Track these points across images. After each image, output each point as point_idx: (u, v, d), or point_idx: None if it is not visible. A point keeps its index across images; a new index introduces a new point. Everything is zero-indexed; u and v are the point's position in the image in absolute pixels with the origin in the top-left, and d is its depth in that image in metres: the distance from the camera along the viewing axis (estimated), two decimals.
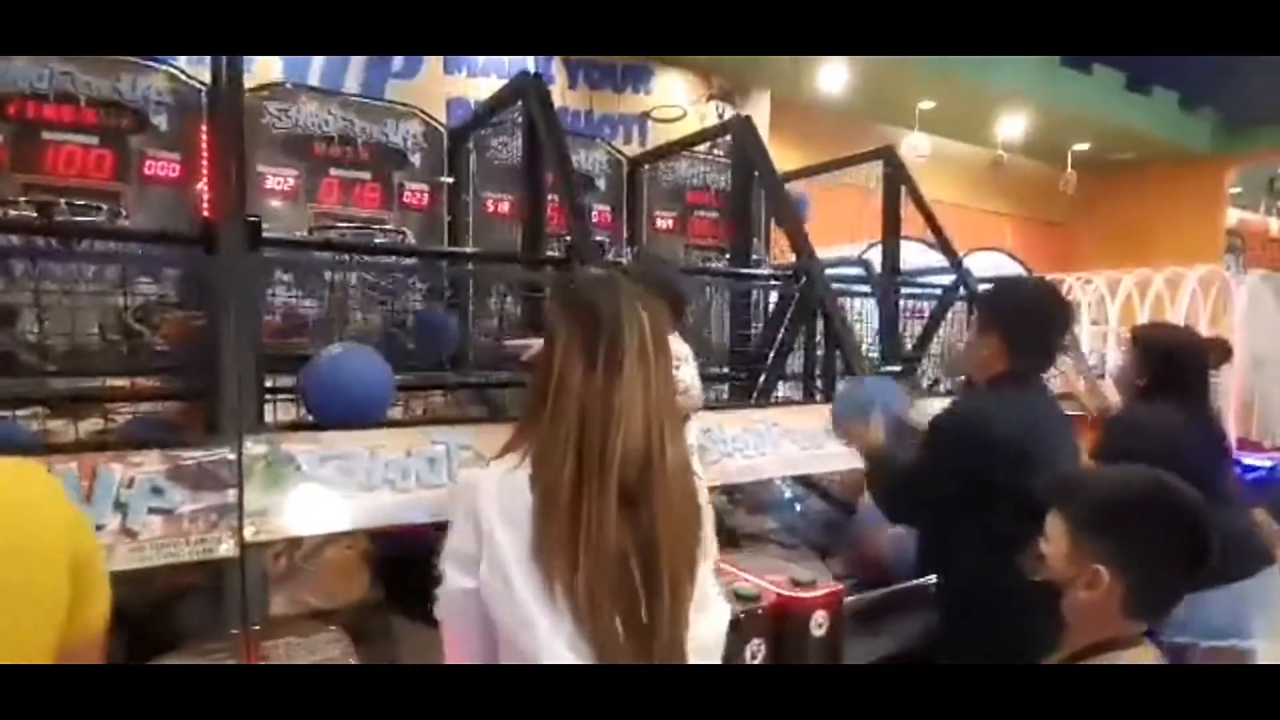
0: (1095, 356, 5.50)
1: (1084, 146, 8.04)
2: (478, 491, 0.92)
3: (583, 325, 0.95)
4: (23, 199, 2.33)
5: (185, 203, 2.62)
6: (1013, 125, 7.06)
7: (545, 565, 0.86)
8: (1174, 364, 2.00)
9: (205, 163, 2.62)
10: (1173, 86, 7.76)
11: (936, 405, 2.40)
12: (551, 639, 0.86)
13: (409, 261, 2.91)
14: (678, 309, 1.68)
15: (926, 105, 6.47)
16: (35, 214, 2.26)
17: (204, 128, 2.63)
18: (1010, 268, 6.81)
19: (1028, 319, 1.55)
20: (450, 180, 3.11)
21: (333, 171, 3.00)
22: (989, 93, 6.44)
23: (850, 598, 1.54)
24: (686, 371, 1.69)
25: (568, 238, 2.41)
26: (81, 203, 2.39)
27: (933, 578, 1.76)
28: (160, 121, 2.57)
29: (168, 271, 2.37)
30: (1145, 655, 0.98)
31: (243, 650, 1.11)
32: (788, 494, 2.79)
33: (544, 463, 0.91)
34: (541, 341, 1.06)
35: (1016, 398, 1.52)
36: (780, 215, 2.74)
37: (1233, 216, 9.26)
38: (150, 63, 2.64)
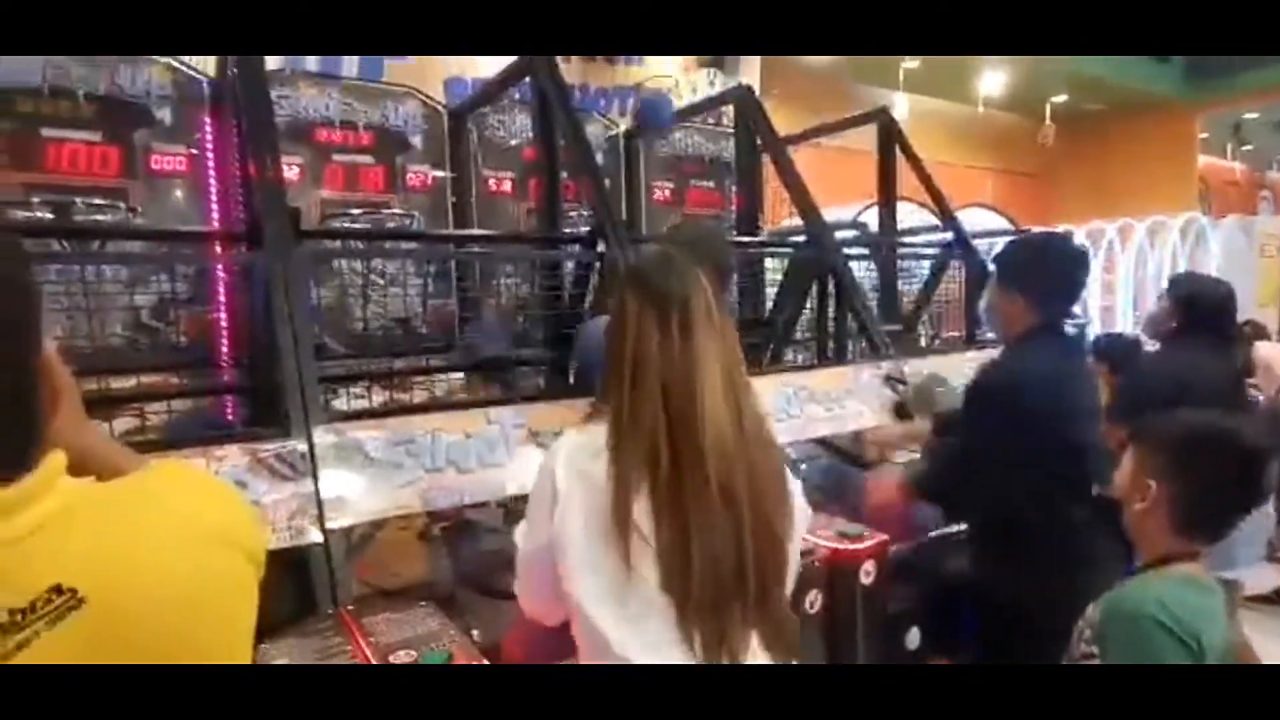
0: (1080, 306, 5.65)
1: (1061, 99, 8.13)
2: (556, 455, 0.98)
3: (653, 299, 0.99)
4: (34, 199, 2.31)
5: (195, 196, 2.60)
6: (994, 80, 7.12)
7: (623, 529, 0.90)
8: (1202, 310, 2.16)
9: (213, 156, 2.60)
10: None
11: (937, 364, 2.53)
12: (619, 606, 0.90)
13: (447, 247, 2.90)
14: (724, 278, 1.73)
15: (911, 65, 6.49)
16: (51, 215, 2.24)
17: (207, 119, 2.61)
18: (994, 222, 6.91)
19: (1049, 272, 1.63)
20: (453, 176, 3.11)
21: (336, 157, 2.98)
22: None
23: (893, 547, 1.63)
24: None
25: (584, 213, 2.44)
26: (99, 201, 2.36)
27: (963, 527, 1.87)
28: (164, 115, 2.53)
29: (180, 268, 2.36)
30: (1197, 571, 1.08)
31: (345, 627, 1.17)
32: (795, 454, 2.88)
33: (633, 433, 0.94)
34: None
35: (1051, 350, 1.61)
36: (787, 182, 2.78)
37: (1199, 162, 9.46)
38: (148, 56, 2.60)
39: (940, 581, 1.78)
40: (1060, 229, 6.41)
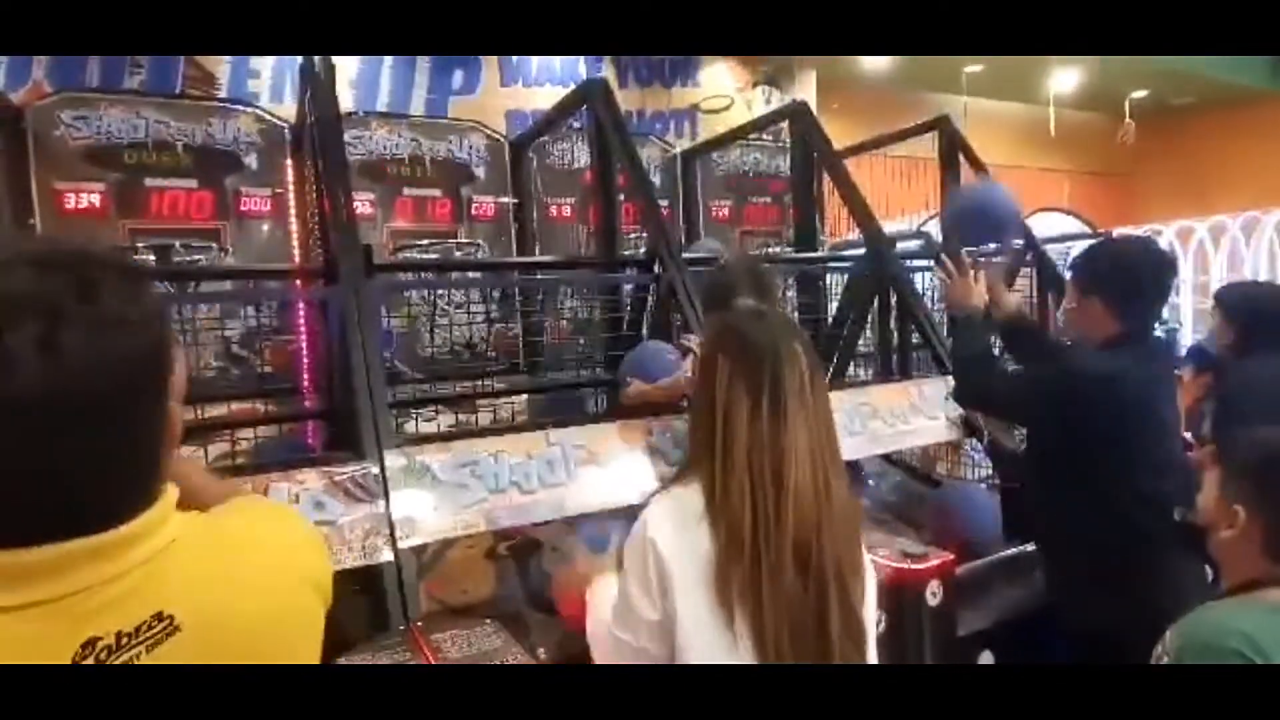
0: (1169, 310, 5.34)
1: (1142, 94, 7.74)
2: (657, 528, 0.94)
3: (745, 365, 0.94)
4: (139, 244, 2.52)
5: (276, 234, 2.79)
6: (1065, 79, 6.85)
7: (726, 606, 0.89)
8: (1260, 320, 2.03)
9: (293, 196, 2.79)
10: None
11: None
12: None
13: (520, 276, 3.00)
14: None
15: (973, 69, 6.33)
16: (153, 258, 2.44)
17: (289, 163, 2.80)
18: (1071, 226, 6.62)
19: (1130, 277, 1.56)
20: (515, 202, 3.21)
21: (405, 191, 3.14)
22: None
23: (960, 567, 1.58)
24: None
25: (643, 236, 2.48)
26: (195, 243, 2.56)
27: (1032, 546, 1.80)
28: (251, 161, 2.74)
29: (264, 302, 2.53)
30: None
31: (415, 643, 1.23)
32: (861, 469, 2.82)
33: (723, 504, 0.92)
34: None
35: (1131, 359, 1.53)
36: (845, 196, 2.75)
37: None
38: (235, 106, 2.82)
39: (1013, 603, 1.71)
40: (1145, 230, 6.10)
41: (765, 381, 0.93)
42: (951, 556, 1.56)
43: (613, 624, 0.99)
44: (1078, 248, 4.29)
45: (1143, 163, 8.74)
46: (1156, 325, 1.70)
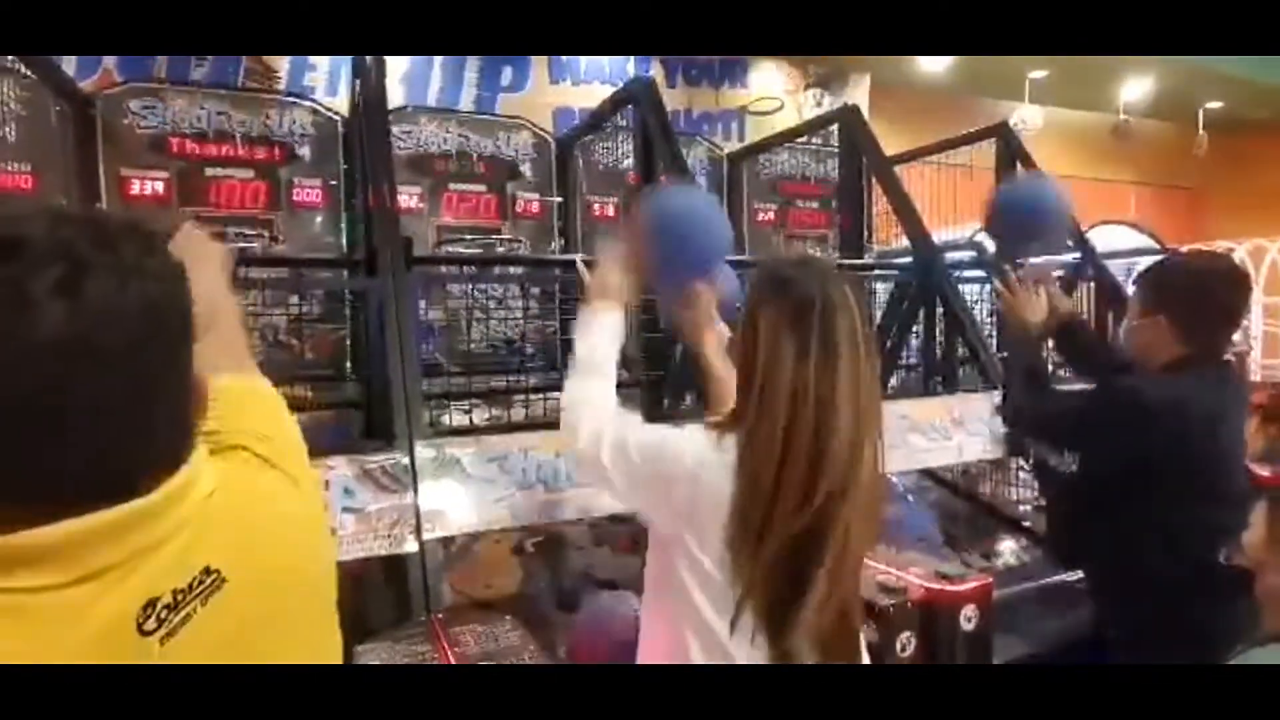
0: (1239, 332, 5.08)
1: (1216, 105, 7.38)
2: (683, 463, 0.93)
3: (792, 308, 0.89)
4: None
5: (326, 224, 2.86)
6: (1136, 88, 6.57)
7: (735, 553, 0.89)
8: None
9: (343, 188, 2.84)
10: None
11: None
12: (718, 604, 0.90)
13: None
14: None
15: (1037, 75, 6.12)
16: None
17: (340, 156, 2.86)
18: (1137, 240, 6.36)
19: (1199, 297, 1.47)
20: (559, 200, 3.23)
21: (452, 186, 3.18)
22: (1110, 56, 6.02)
23: (999, 591, 1.52)
24: None
25: None
26: (248, 231, 2.64)
27: (1078, 574, 1.72)
28: (305, 153, 2.80)
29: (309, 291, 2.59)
30: None
31: (434, 635, 1.23)
32: (899, 486, 2.75)
33: (751, 452, 0.88)
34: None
35: (1190, 381, 1.45)
36: (894, 203, 2.69)
37: None
38: (292, 99, 2.89)
39: (1055, 632, 1.64)
40: (1217, 246, 5.81)
41: (814, 327, 0.88)
42: (989, 580, 1.50)
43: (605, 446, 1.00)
44: (1143, 263, 4.13)
45: (1215, 177, 8.34)
46: (1226, 349, 1.59)
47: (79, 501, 0.51)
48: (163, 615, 0.52)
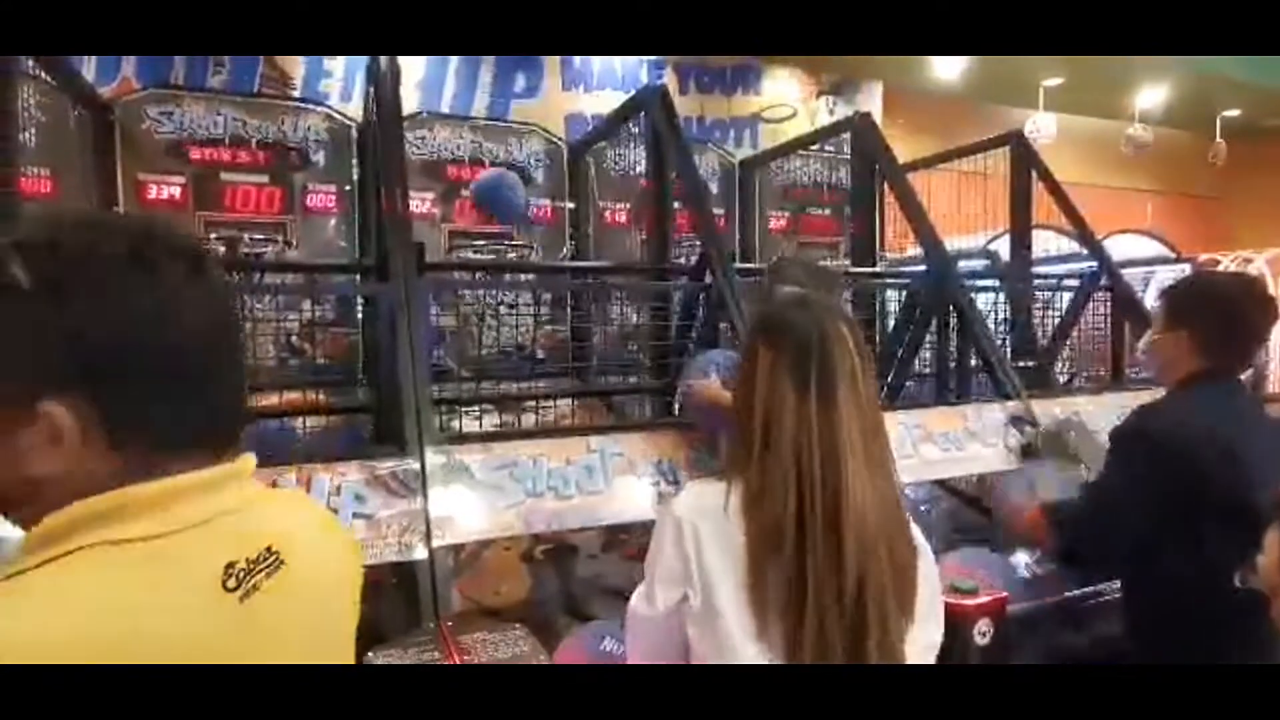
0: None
1: (1234, 113, 7.31)
2: (686, 521, 0.89)
3: (790, 349, 0.88)
4: (212, 236, 2.63)
5: (340, 230, 2.88)
6: (1152, 95, 6.52)
7: (761, 607, 0.84)
8: None
9: (357, 194, 2.86)
10: None
11: (1075, 406, 2.31)
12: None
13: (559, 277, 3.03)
14: None
15: (1052, 82, 6.08)
16: (224, 249, 2.54)
17: (354, 161, 2.88)
18: (1153, 249, 6.29)
19: (1224, 314, 1.45)
20: (571, 205, 3.23)
21: (464, 192, 3.19)
22: (1125, 63, 5.98)
23: (1013, 606, 1.50)
24: None
25: (699, 244, 2.46)
26: (261, 236, 2.66)
27: (1097, 587, 1.69)
28: (319, 158, 2.82)
29: (322, 295, 2.60)
30: None
31: (443, 642, 1.22)
32: (912, 495, 2.73)
33: (761, 501, 0.86)
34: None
35: (1213, 399, 1.43)
36: (907, 211, 2.67)
37: None
38: (307, 105, 2.91)
39: (1073, 650, 1.61)
40: (1235, 256, 5.75)
41: (812, 368, 0.86)
42: (1005, 594, 1.48)
43: (635, 601, 0.94)
44: (1160, 272, 4.08)
45: (1233, 185, 8.26)
46: (1246, 368, 1.56)
47: (194, 454, 0.57)
48: (240, 578, 0.56)
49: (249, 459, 0.62)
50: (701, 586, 0.87)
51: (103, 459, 0.54)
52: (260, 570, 0.58)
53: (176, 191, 2.68)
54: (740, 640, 0.85)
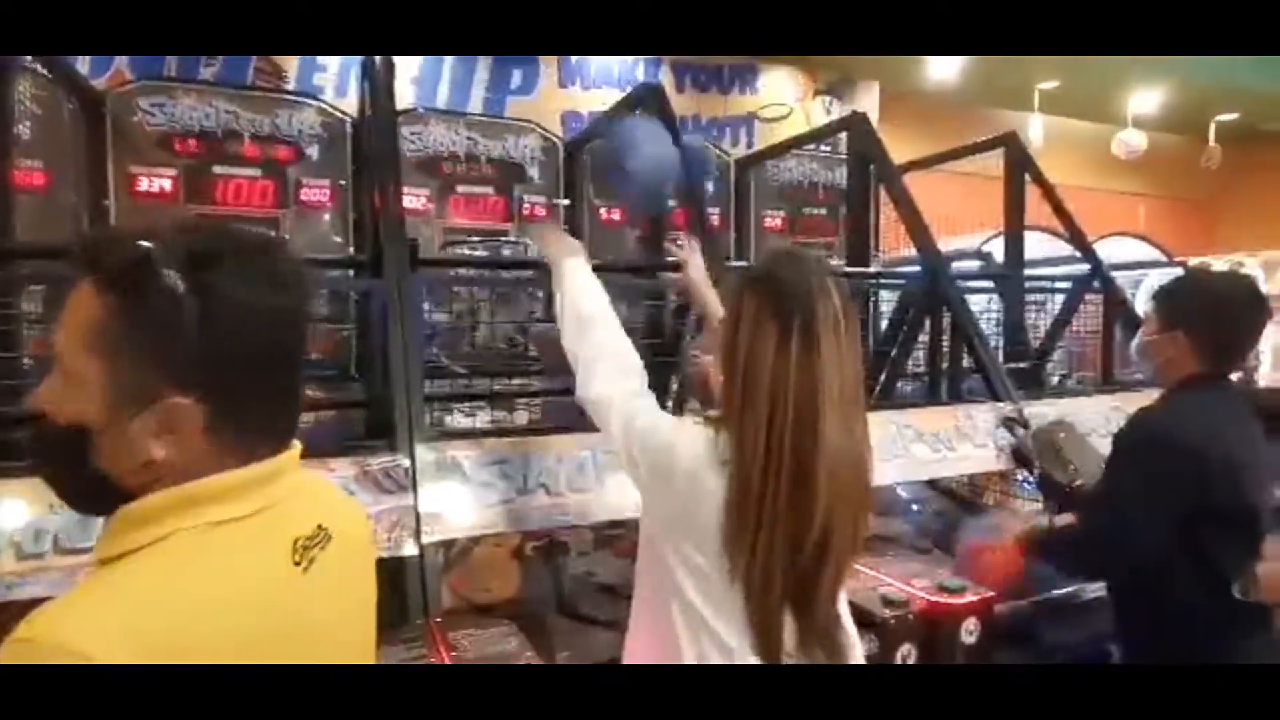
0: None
1: (1230, 117, 7.35)
2: (679, 460, 0.93)
3: (773, 298, 0.89)
4: None
5: (334, 225, 2.86)
6: (1146, 99, 6.54)
7: (730, 549, 0.88)
8: None
9: (351, 189, 2.85)
10: None
11: (1066, 407, 2.32)
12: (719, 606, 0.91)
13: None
14: None
15: (1047, 86, 6.10)
16: None
17: (349, 156, 2.86)
18: (1145, 252, 6.32)
19: (1222, 314, 1.45)
20: (567, 203, 3.22)
21: (459, 188, 3.18)
22: (1120, 67, 6.00)
23: (1001, 605, 1.51)
24: None
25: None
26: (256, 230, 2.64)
27: (1086, 587, 1.70)
28: (313, 152, 2.81)
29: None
30: None
31: (431, 639, 1.22)
32: (904, 495, 2.73)
33: (739, 451, 0.88)
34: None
35: (1213, 402, 1.43)
36: (902, 212, 2.68)
37: None
38: (301, 99, 2.90)
39: (1061, 650, 1.62)
40: (1228, 259, 5.77)
41: (795, 317, 0.87)
42: (992, 594, 1.49)
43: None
44: (1152, 275, 4.09)
45: (1227, 189, 8.30)
46: (1239, 368, 1.56)
47: (271, 443, 0.64)
48: (303, 550, 0.64)
49: (298, 446, 0.68)
50: (684, 513, 0.92)
51: (202, 448, 0.59)
52: (316, 545, 0.65)
53: (167, 184, 2.66)
54: (717, 567, 0.90)
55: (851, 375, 0.90)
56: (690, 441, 0.94)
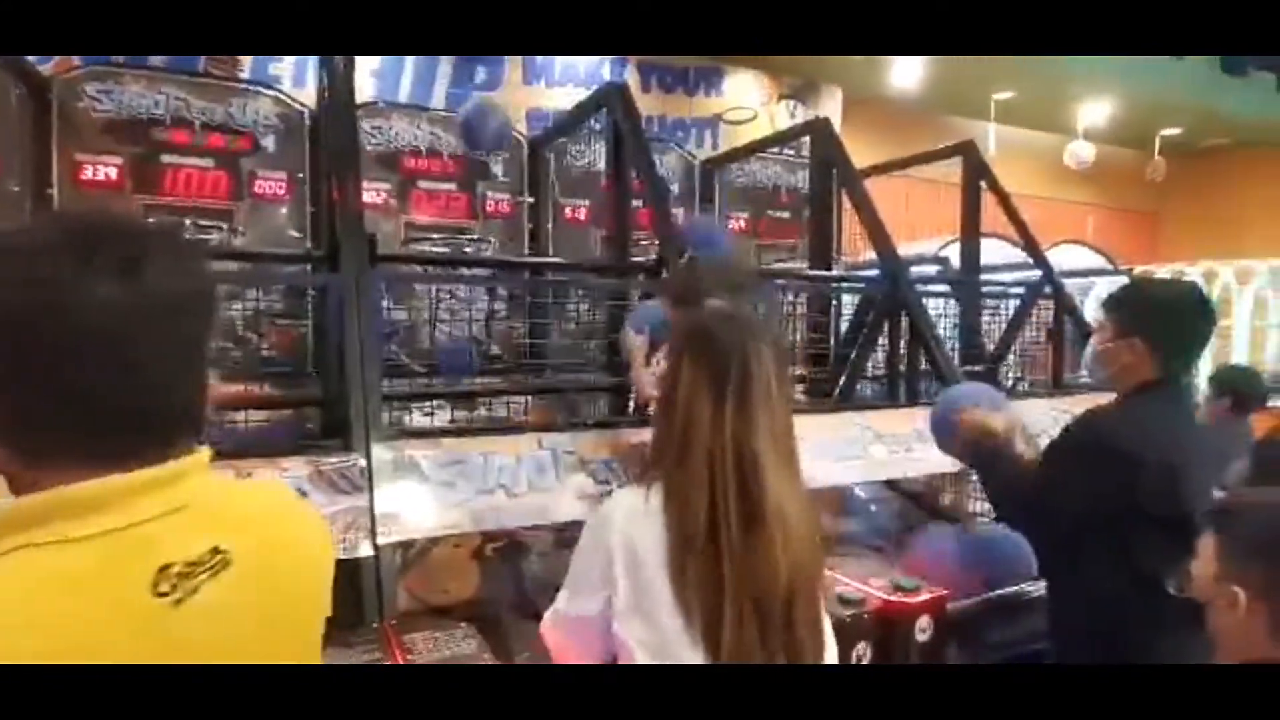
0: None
1: (1174, 131, 7.64)
2: (612, 525, 0.94)
3: (710, 364, 0.93)
4: (151, 220, 2.52)
5: (291, 218, 2.79)
6: (1097, 112, 6.77)
7: (685, 604, 0.88)
8: None
9: (309, 182, 2.78)
10: (1270, 68, 7.29)
11: (1018, 409, 2.38)
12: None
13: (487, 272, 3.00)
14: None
15: (1003, 96, 6.27)
16: None
17: (307, 148, 2.79)
18: (1092, 260, 6.53)
19: (1177, 321, 1.48)
20: (530, 201, 3.20)
21: (421, 184, 3.12)
22: (1072, 80, 6.19)
23: (954, 604, 1.54)
24: None
25: (657, 243, 2.46)
26: (205, 223, 2.56)
27: (1032, 585, 1.74)
28: (269, 143, 2.73)
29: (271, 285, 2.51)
30: None
31: (386, 642, 1.20)
32: (862, 495, 2.78)
33: (676, 504, 0.91)
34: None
35: (1167, 406, 1.46)
36: (863, 216, 2.72)
37: None
38: (257, 88, 2.82)
39: (1010, 646, 1.66)
40: (1169, 269, 6.00)
41: (731, 380, 0.91)
42: (945, 593, 1.52)
43: (560, 602, 0.99)
44: (1100, 283, 4.24)
45: (1170, 201, 8.64)
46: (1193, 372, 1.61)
47: (121, 456, 0.55)
48: (174, 581, 0.55)
49: (202, 454, 0.61)
50: (627, 586, 0.91)
51: (25, 462, 0.53)
52: (202, 571, 0.56)
53: (114, 173, 2.56)
54: (674, 635, 0.89)
55: (784, 434, 0.94)
56: (618, 506, 0.97)
